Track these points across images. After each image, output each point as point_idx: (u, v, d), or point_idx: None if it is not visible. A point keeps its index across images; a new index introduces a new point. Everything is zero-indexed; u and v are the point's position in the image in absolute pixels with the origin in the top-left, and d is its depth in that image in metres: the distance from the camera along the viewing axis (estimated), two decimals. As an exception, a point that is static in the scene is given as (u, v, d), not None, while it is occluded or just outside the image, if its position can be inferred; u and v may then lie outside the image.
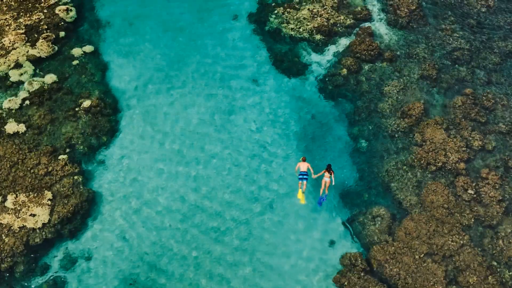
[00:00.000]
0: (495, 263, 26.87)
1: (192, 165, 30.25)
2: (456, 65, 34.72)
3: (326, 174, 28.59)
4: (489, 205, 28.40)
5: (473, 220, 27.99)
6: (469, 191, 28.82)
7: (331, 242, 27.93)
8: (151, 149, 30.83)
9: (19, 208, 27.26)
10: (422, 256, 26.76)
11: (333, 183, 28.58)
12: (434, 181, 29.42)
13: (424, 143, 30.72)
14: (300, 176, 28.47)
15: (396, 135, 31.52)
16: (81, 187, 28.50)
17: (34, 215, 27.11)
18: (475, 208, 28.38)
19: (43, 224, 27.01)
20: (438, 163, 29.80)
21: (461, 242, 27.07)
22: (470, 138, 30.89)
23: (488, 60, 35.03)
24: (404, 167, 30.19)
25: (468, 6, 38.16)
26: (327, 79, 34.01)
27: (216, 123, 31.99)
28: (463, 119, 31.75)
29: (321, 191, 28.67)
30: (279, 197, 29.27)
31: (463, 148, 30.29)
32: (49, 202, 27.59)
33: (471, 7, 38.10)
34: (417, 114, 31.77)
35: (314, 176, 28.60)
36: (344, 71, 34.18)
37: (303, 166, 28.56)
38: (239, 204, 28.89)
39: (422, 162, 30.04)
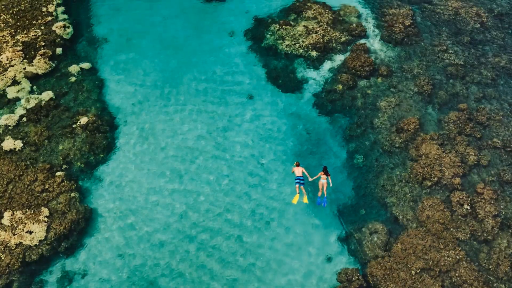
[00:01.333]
0: (491, 278, 26.88)
1: (188, 181, 30.28)
2: (451, 81, 35.00)
3: (323, 176, 29.04)
4: (485, 220, 28.48)
5: (469, 235, 28.06)
6: (465, 206, 28.92)
7: (327, 258, 27.92)
8: (148, 165, 30.88)
9: (15, 225, 27.23)
10: (418, 271, 26.78)
11: (331, 185, 29.02)
12: (430, 196, 29.54)
13: (419, 158, 30.86)
14: (297, 181, 28.90)
15: (392, 151, 31.67)
16: (78, 204, 28.50)
17: (30, 232, 27.07)
18: (471, 223, 28.46)
19: (40, 241, 26.97)
20: (434, 178, 29.93)
21: (457, 257, 27.11)
22: (465, 153, 31.06)
23: (482, 76, 35.31)
24: (400, 182, 30.30)
25: (462, 23, 38.53)
26: (323, 95, 34.22)
27: (212, 139, 32.09)
28: (458, 134, 31.94)
29: (320, 193, 29.02)
30: (275, 213, 29.30)
31: (458, 163, 30.44)
32: (46, 219, 27.57)
33: (465, 24, 38.48)
34: (412, 130, 31.95)
35: (310, 179, 29.06)
36: (340, 87, 34.41)
37: (298, 171, 29.03)
38: (235, 221, 28.90)
39: (417, 177, 30.17)
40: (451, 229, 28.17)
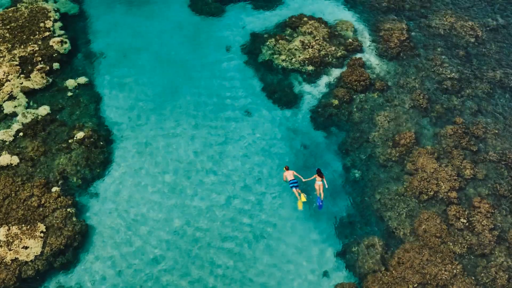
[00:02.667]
0: (488, 292, 26.92)
1: (185, 196, 30.25)
2: (446, 95, 35.17)
3: (318, 178, 29.38)
4: (482, 234, 28.47)
5: (465, 249, 28.03)
6: (462, 220, 28.93)
7: (324, 273, 27.83)
8: (144, 180, 30.86)
9: (11, 240, 27.12)
10: (415, 286, 26.68)
11: (326, 186, 29.41)
12: (427, 210, 29.55)
13: (416, 172, 30.91)
14: (292, 185, 29.36)
15: (388, 165, 31.72)
16: (74, 219, 28.41)
17: (26, 248, 26.96)
18: (468, 236, 28.45)
19: (36, 256, 26.84)
20: (430, 192, 29.96)
21: (454, 271, 27.05)
22: (462, 167, 31.13)
23: (478, 90, 35.49)
24: (397, 196, 30.32)
25: (457, 37, 38.79)
26: (319, 109, 34.33)
27: (209, 154, 32.10)
28: (454, 148, 32.02)
29: (317, 194, 29.38)
30: (272, 228, 29.25)
31: (455, 177, 30.49)
32: (42, 235, 27.47)
33: (460, 38, 38.73)
34: (408, 144, 32.04)
35: (304, 180, 29.63)
36: (336, 101, 34.53)
37: (289, 175, 29.49)
38: (232, 235, 28.82)
39: (414, 191, 30.19)
40: (448, 243, 28.15)
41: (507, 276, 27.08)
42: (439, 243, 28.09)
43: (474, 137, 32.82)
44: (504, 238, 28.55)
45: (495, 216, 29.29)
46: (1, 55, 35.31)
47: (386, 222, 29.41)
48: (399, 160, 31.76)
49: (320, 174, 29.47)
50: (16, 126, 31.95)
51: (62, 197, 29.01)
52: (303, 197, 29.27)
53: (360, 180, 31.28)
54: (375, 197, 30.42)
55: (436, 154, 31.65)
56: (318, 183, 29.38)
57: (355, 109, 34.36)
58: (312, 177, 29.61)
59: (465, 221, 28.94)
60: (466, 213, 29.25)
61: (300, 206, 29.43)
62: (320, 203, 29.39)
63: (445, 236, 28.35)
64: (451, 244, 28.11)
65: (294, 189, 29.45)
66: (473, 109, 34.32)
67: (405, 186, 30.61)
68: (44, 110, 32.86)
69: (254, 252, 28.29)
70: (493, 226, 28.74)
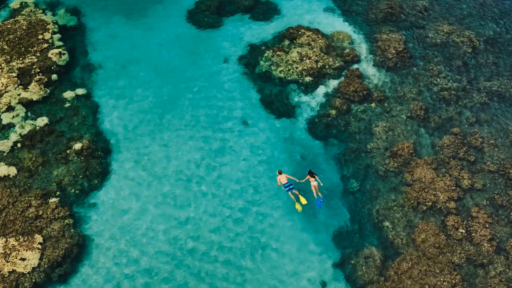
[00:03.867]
0: (488, 303, 26.84)
1: (183, 207, 30.20)
2: (444, 105, 35.25)
3: (311, 178, 29.80)
4: (480, 244, 28.44)
5: (464, 259, 27.97)
6: (460, 230, 28.90)
7: (323, 284, 27.74)
8: (142, 191, 30.82)
9: (9, 252, 27.02)
10: (414, 296, 26.67)
11: (321, 184, 29.89)
12: (425, 220, 29.52)
13: (414, 183, 30.91)
14: (287, 188, 29.64)
15: (386, 175, 31.73)
16: (72, 231, 28.35)
17: (24, 259, 26.86)
18: (467, 247, 28.41)
19: (33, 268, 26.74)
20: (428, 202, 29.96)
21: (453, 281, 26.97)
22: (459, 177, 31.15)
23: (475, 100, 35.59)
24: (395, 207, 30.30)
25: (454, 47, 38.94)
26: (316, 120, 34.39)
27: (206, 164, 32.11)
28: (452, 159, 32.06)
29: (314, 195, 29.71)
30: (270, 238, 29.18)
31: (453, 187, 30.49)
32: (40, 246, 27.38)
33: (457, 48, 38.88)
34: (406, 154, 32.07)
35: (298, 181, 30.02)
36: (334, 112, 34.61)
37: (283, 179, 29.88)
38: (230, 247, 28.74)
39: (412, 201, 30.18)
40: (447, 253, 28.10)
41: (506, 286, 27.02)
42: (437, 254, 28.05)
43: (471, 147, 32.87)
44: (503, 248, 28.52)
45: (494, 226, 29.27)
46: (0, 67, 35.36)
47: (384, 232, 29.37)
48: (397, 171, 31.77)
49: (311, 174, 29.92)
50: (14, 137, 31.97)
51: (59, 208, 28.97)
52: (303, 200, 29.55)
53: (358, 191, 31.27)
54: (373, 208, 30.39)
55: (434, 164, 31.69)
56: (313, 184, 29.77)
57: (352, 120, 34.43)
58: (305, 179, 30.01)
59: (463, 231, 28.92)
60: (465, 223, 29.24)
61: (298, 207, 29.66)
62: (319, 203, 29.77)
63: (443, 246, 28.30)
64: (449, 254, 28.06)
65: (289, 193, 29.73)
66: (470, 119, 34.39)
67: (403, 196, 30.61)
68: (42, 121, 32.88)
69: (252, 263, 28.20)
70: (491, 236, 28.71)
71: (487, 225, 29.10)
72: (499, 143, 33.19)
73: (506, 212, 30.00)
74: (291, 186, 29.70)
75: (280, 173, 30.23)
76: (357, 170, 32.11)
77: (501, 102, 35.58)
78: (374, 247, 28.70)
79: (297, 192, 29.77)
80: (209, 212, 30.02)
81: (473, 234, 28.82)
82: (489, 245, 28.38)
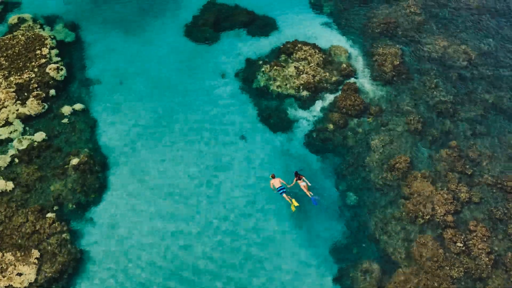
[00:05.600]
0: (486, 317, 26.74)
1: (181, 222, 30.14)
2: (441, 118, 35.34)
3: (299, 180, 30.35)
4: (478, 258, 28.38)
5: (463, 273, 27.89)
6: (458, 244, 28.85)
7: (321, 298, 27.70)
8: (140, 206, 30.76)
9: (5, 267, 26.91)
10: (413, 310, 26.56)
11: (309, 184, 30.31)
12: (423, 234, 29.48)
13: (411, 196, 30.91)
14: (280, 191, 30.18)
15: (384, 189, 31.73)
16: (69, 246, 28.25)
17: (20, 274, 26.75)
18: (465, 260, 28.34)
19: (30, 283, 26.63)
20: (426, 216, 29.93)
21: (452, 295, 26.94)
22: (457, 191, 31.16)
23: (471, 113, 35.68)
24: (393, 220, 30.26)
25: (450, 61, 39.12)
26: (314, 134, 34.44)
27: (204, 179, 32.09)
28: (449, 172, 32.09)
29: (308, 194, 30.14)
30: (268, 252, 29.11)
31: (450, 201, 30.49)
32: (36, 261, 27.28)
33: (453, 62, 39.05)
34: (403, 168, 32.10)
35: (289, 186, 30.47)
36: (331, 126, 34.68)
37: (276, 182, 30.40)
38: (228, 261, 28.66)
39: (410, 215, 30.16)
40: (445, 267, 28.02)
41: (504, 300, 27.00)
42: (436, 267, 27.97)
43: (469, 160, 32.91)
44: (501, 261, 28.45)
45: (492, 240, 29.23)
46: (-2, 82, 35.53)
47: (382, 246, 29.31)
48: (395, 184, 31.78)
49: (297, 175, 30.44)
50: (11, 152, 31.98)
51: (57, 223, 28.90)
52: (295, 202, 29.90)
53: (355, 204, 31.25)
54: (371, 221, 30.36)
55: (431, 177, 31.71)
56: (302, 184, 30.29)
57: (350, 134, 34.49)
58: (294, 181, 30.46)
59: (461, 245, 28.87)
60: (463, 237, 29.19)
61: (293, 208, 30.03)
62: (314, 200, 30.15)
63: (442, 260, 28.23)
64: (448, 268, 27.98)
65: (284, 195, 30.25)
66: (467, 132, 34.47)
67: (401, 210, 30.59)
68: (40, 136, 32.90)
69: (250, 277, 28.08)
70: (489, 250, 28.66)
71: (485, 239, 29.05)
72: (496, 156, 33.23)
73: (504, 225, 29.96)
74: (284, 189, 30.24)
75: (273, 177, 30.63)
76: (354, 183, 32.11)
77: (497, 115, 35.67)
78: (372, 261, 28.62)
79: (289, 196, 30.24)
80: (207, 227, 29.95)
81: (471, 248, 28.77)
82: (487, 258, 28.31)
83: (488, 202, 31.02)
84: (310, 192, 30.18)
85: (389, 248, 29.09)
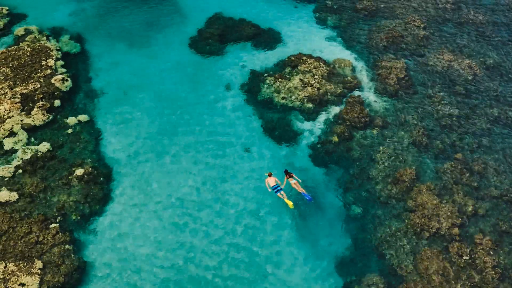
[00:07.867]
0: (493, 331, 26.43)
1: (185, 234, 29.98)
2: (446, 131, 35.29)
3: (290, 179, 30.85)
4: (485, 271, 28.13)
5: (469, 286, 27.64)
6: (464, 257, 28.63)
7: (326, 311, 27.47)
8: (144, 217, 30.64)
9: (8, 277, 26.75)
10: (419, 324, 26.29)
11: (300, 181, 30.92)
12: (429, 247, 29.27)
13: (417, 209, 30.75)
14: (275, 190, 30.62)
15: (389, 202, 31.58)
16: (72, 256, 28.10)
17: (23, 285, 26.57)
18: (471, 274, 28.10)
19: (32, 294, 26.53)
20: (432, 229, 29.75)
21: (458, 309, 26.69)
22: (463, 203, 31.00)
23: (477, 126, 35.66)
24: (398, 233, 30.07)
25: (455, 74, 39.19)
26: (318, 146, 34.39)
27: (208, 191, 31.98)
28: (454, 184, 31.96)
29: (300, 191, 30.64)
30: (272, 265, 28.91)
31: (456, 214, 30.33)
32: (39, 271, 27.12)
33: (458, 75, 39.13)
34: (409, 180, 31.98)
35: (282, 186, 30.77)
36: (336, 138, 34.63)
37: (272, 181, 30.92)
38: (233, 274, 28.43)
39: (415, 228, 29.98)
40: (451, 280, 27.79)
41: (511, 314, 26.73)
42: (442, 281, 27.73)
43: (474, 173, 32.79)
44: (508, 275, 28.20)
45: (498, 253, 29.01)
46: (3, 93, 35.56)
47: (387, 259, 29.09)
48: (400, 197, 31.64)
49: (287, 173, 31.04)
50: (15, 162, 31.95)
51: (60, 233, 28.78)
52: (290, 203, 30.29)
53: (360, 217, 31.08)
54: (376, 235, 30.17)
55: (436, 190, 31.57)
56: (293, 182, 30.74)
57: (354, 146, 34.42)
58: (285, 180, 31.01)
59: (467, 258, 28.65)
60: (469, 250, 28.99)
61: (290, 205, 30.36)
62: (307, 197, 30.41)
63: (448, 273, 28.01)
64: (453, 282, 27.75)
65: (278, 194, 30.60)
66: (472, 145, 34.40)
67: (406, 223, 30.41)
68: (44, 146, 32.89)
69: (254, 290, 27.95)
70: (496, 263, 28.43)
71: (492, 252, 28.85)
72: (501, 168, 33.12)
73: (510, 238, 29.76)
74: (278, 188, 30.60)
75: (270, 175, 31.08)
76: (359, 196, 31.97)
77: (502, 128, 35.63)
78: (377, 275, 28.40)
79: (284, 195, 30.62)
80: (211, 239, 29.80)
81: (477, 261, 28.54)
82: (493, 272, 28.07)
83: (494, 214, 30.85)
84: (302, 189, 30.44)
85: (394, 262, 28.88)
